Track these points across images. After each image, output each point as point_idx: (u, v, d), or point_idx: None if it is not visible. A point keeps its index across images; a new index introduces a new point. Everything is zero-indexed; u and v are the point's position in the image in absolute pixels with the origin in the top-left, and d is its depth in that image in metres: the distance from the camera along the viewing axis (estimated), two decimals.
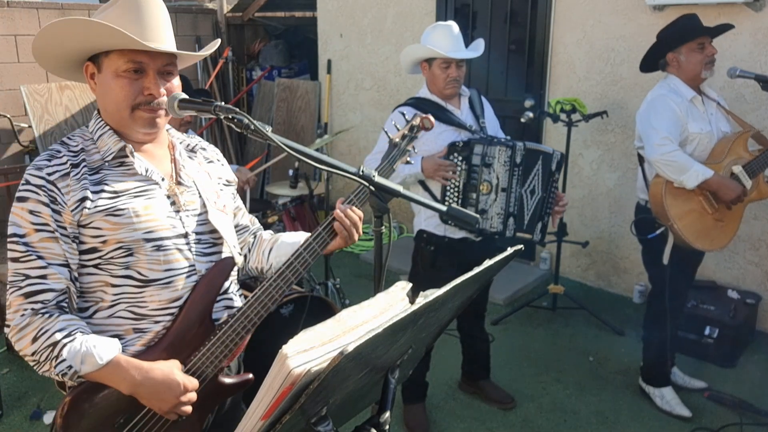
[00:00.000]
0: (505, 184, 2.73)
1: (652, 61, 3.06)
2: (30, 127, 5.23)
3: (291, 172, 3.85)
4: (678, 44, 2.90)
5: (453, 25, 2.82)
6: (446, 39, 2.77)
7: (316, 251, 1.53)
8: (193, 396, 1.43)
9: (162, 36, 1.44)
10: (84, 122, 5.38)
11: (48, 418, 3.06)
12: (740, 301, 3.78)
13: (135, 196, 1.43)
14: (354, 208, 1.56)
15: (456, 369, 3.41)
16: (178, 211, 1.49)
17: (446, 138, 2.74)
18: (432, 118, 1.88)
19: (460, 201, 2.73)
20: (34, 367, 1.38)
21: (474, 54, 2.83)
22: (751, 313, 3.78)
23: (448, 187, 2.74)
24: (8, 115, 5.34)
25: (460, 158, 2.70)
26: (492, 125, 2.95)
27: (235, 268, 1.61)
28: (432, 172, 2.71)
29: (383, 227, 1.44)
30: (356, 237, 1.56)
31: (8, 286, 1.37)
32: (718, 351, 3.56)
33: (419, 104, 2.81)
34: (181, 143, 1.61)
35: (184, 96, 1.42)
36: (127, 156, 1.46)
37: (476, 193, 2.71)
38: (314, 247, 1.53)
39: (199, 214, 1.54)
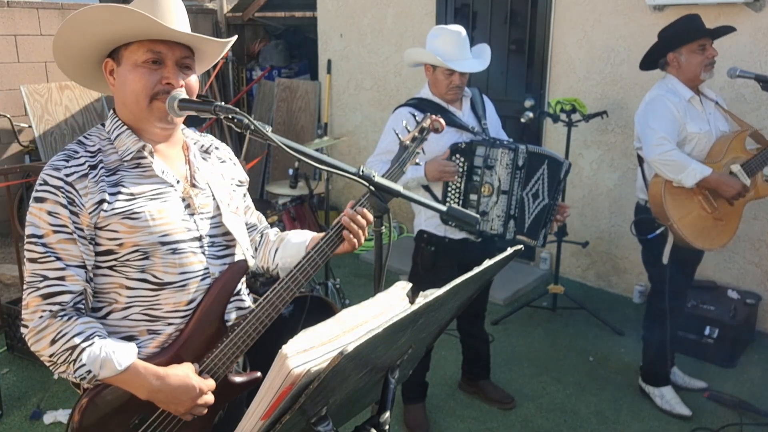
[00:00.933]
0: (506, 187, 2.73)
1: (653, 60, 3.06)
2: (30, 127, 5.24)
3: (291, 172, 3.85)
4: (679, 44, 2.90)
5: (460, 31, 2.75)
6: (452, 46, 2.72)
7: (327, 254, 1.54)
8: (210, 398, 1.45)
9: (181, 28, 1.45)
10: (84, 122, 5.38)
11: (48, 418, 3.06)
12: (740, 301, 3.78)
13: (151, 199, 1.44)
14: (365, 212, 1.56)
15: (456, 369, 3.41)
16: (192, 214, 1.50)
17: (448, 139, 2.72)
18: (442, 121, 1.86)
19: (460, 202, 2.72)
20: (50, 368, 1.39)
21: (479, 67, 2.78)
22: (751, 313, 3.78)
23: (449, 189, 2.73)
24: (8, 115, 5.34)
25: (462, 160, 2.69)
26: (494, 125, 2.94)
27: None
28: (435, 175, 2.69)
29: (383, 227, 1.44)
30: (362, 240, 1.58)
31: (25, 286, 1.37)
32: (718, 351, 3.56)
33: (420, 105, 2.79)
34: (195, 144, 1.61)
35: (185, 96, 1.42)
36: (144, 157, 1.46)
37: (477, 194, 2.71)
38: (325, 250, 1.54)
39: (213, 217, 1.54)
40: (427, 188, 2.79)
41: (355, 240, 1.56)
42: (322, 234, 1.64)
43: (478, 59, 2.81)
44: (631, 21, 4.08)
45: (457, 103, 2.85)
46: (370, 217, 1.57)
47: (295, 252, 1.68)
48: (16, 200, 5.13)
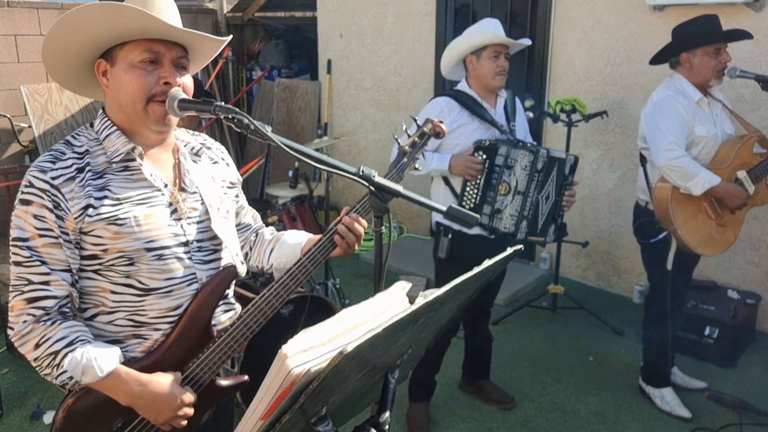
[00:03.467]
0: (523, 188, 2.77)
1: (664, 56, 3.02)
2: (30, 127, 5.24)
3: (291, 172, 3.85)
4: (695, 46, 2.86)
5: (497, 21, 2.86)
6: (497, 29, 2.79)
7: (318, 260, 1.52)
8: (189, 411, 1.44)
9: (177, 25, 1.43)
10: (84, 122, 5.37)
11: (48, 418, 3.06)
12: (740, 301, 3.78)
13: (137, 204, 1.41)
14: (360, 219, 1.55)
15: (456, 369, 3.41)
16: (179, 219, 1.47)
17: (479, 135, 2.78)
18: (444, 127, 1.86)
19: (478, 198, 2.76)
20: (37, 370, 1.38)
21: (526, 43, 2.89)
22: (751, 313, 3.78)
23: (468, 184, 2.77)
24: (8, 115, 5.34)
25: (484, 157, 2.73)
26: (522, 129, 2.98)
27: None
28: (460, 170, 2.74)
29: (383, 227, 1.44)
30: (356, 247, 1.56)
31: (10, 289, 1.36)
32: (718, 351, 3.56)
33: (459, 96, 2.83)
34: (185, 146, 1.58)
35: (185, 96, 1.41)
36: (133, 159, 1.43)
37: (494, 192, 2.74)
38: (317, 256, 1.52)
39: (201, 222, 1.52)
40: (447, 183, 2.84)
41: (347, 246, 1.54)
42: (317, 237, 1.61)
43: (523, 41, 2.90)
44: (631, 21, 4.08)
45: (492, 100, 2.89)
46: (365, 223, 1.56)
47: (290, 253, 1.66)
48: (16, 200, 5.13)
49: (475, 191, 2.76)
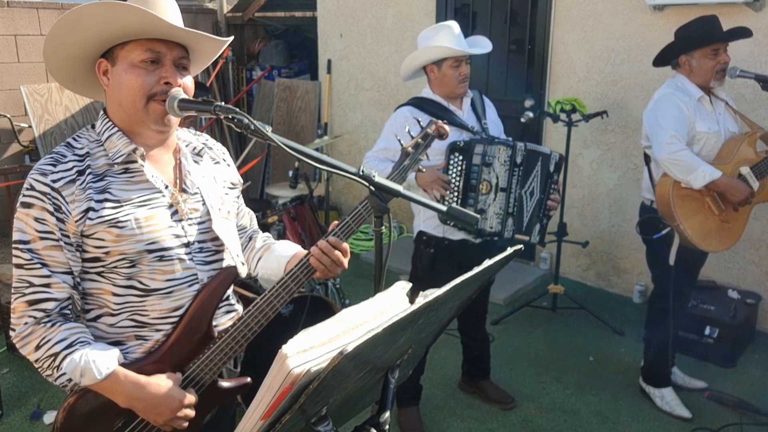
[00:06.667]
0: (504, 184, 2.72)
1: (665, 59, 3.02)
2: (30, 127, 5.23)
3: (291, 172, 3.85)
4: (692, 48, 2.86)
5: (454, 24, 2.79)
6: (454, 37, 2.74)
7: (302, 281, 1.51)
8: (190, 412, 1.44)
9: (178, 25, 1.42)
10: (84, 122, 5.38)
11: (48, 418, 3.06)
12: (740, 301, 3.77)
13: (138, 206, 1.41)
14: (341, 243, 1.51)
15: (456, 369, 3.41)
16: (180, 220, 1.47)
17: (448, 139, 2.72)
18: (447, 127, 1.85)
19: (459, 201, 2.72)
20: (39, 371, 1.39)
21: (487, 48, 2.82)
22: (751, 313, 3.78)
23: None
24: (8, 115, 5.34)
25: (461, 158, 2.68)
26: (495, 126, 2.94)
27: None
28: (427, 184, 2.67)
29: (383, 227, 1.44)
30: (339, 271, 1.53)
31: (13, 291, 1.37)
32: (718, 351, 3.56)
33: (421, 104, 2.79)
34: (187, 146, 1.58)
35: (184, 96, 1.41)
36: (134, 161, 1.43)
37: (476, 192, 2.70)
38: (299, 277, 1.50)
39: (202, 222, 1.52)
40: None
41: (327, 270, 1.51)
42: (304, 252, 1.60)
43: (479, 46, 2.82)
44: (631, 21, 4.07)
45: (457, 102, 2.85)
46: (346, 247, 1.53)
47: (275, 266, 1.66)
48: (16, 200, 5.12)
49: (456, 194, 2.71)
